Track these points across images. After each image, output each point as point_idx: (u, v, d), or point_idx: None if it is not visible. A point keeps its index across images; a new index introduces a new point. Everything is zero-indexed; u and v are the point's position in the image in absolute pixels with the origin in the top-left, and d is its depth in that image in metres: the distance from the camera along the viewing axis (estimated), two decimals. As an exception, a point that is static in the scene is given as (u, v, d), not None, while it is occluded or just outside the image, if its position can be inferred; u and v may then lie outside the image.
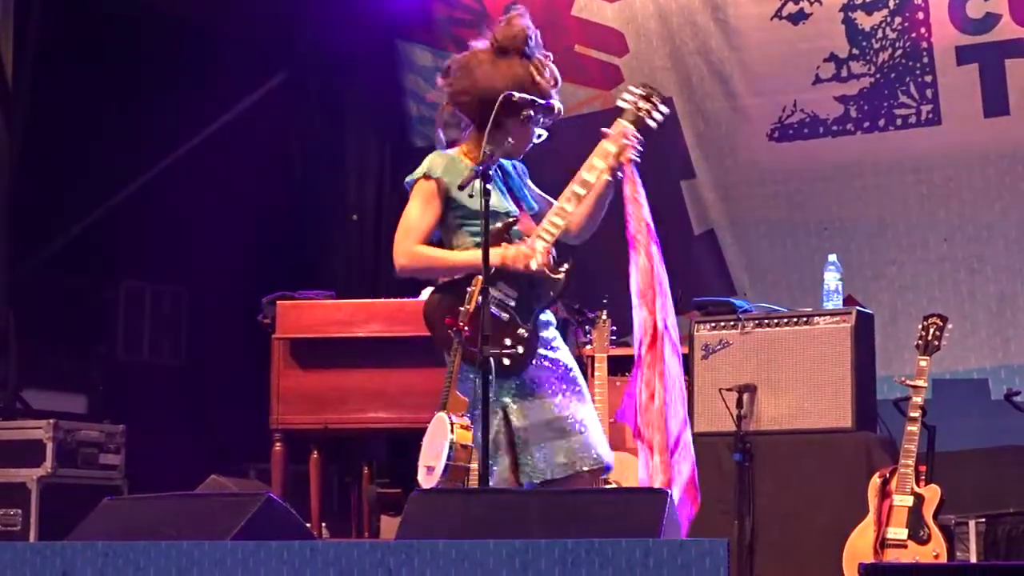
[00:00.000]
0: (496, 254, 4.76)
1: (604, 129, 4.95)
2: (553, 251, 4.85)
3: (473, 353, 4.65)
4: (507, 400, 4.83)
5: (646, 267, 4.87)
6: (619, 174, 4.90)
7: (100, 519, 4.31)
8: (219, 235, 8.80)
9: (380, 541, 6.28)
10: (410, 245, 4.92)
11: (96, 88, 8.58)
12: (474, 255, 4.78)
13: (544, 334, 4.90)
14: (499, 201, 4.88)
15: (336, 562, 3.59)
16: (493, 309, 4.73)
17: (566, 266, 4.84)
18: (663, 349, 4.83)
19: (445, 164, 4.95)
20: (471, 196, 4.84)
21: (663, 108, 5.02)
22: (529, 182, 5.11)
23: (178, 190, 8.91)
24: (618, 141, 4.90)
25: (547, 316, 4.95)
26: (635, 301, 4.88)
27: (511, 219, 4.90)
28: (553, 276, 4.83)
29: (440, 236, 5.00)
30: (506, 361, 4.73)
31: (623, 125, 4.94)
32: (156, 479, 6.85)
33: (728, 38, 8.44)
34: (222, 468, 7.31)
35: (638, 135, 4.94)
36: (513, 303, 4.82)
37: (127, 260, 8.98)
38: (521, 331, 4.79)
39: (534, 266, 4.79)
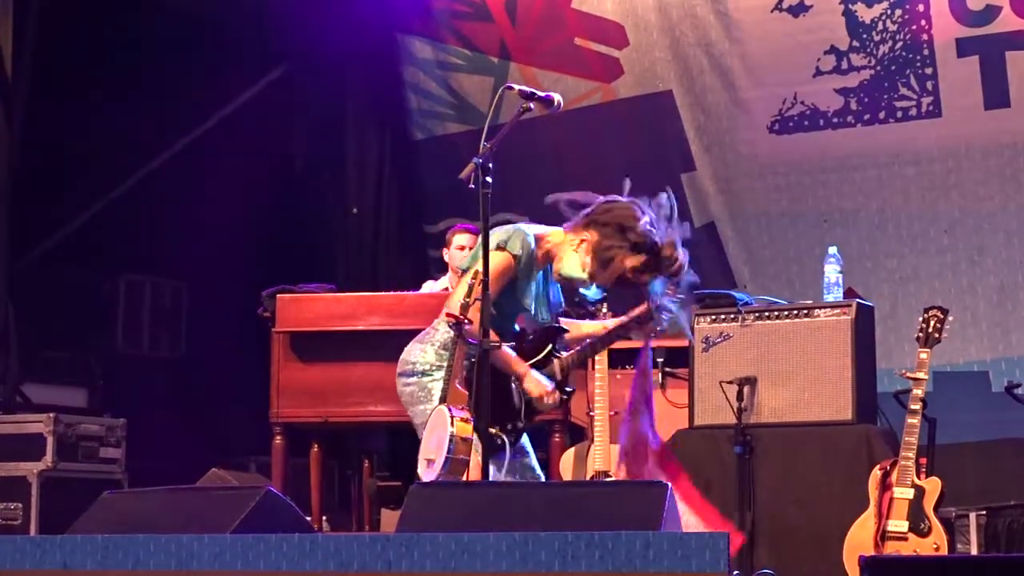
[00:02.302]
0: (526, 381, 4.93)
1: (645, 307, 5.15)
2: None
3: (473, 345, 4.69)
4: None
5: (636, 433, 5.22)
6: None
7: (100, 512, 4.31)
8: (219, 228, 8.80)
9: (380, 534, 6.27)
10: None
11: (96, 82, 8.58)
12: (516, 361, 4.93)
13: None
14: (538, 311, 5.08)
15: (336, 555, 3.59)
16: (514, 393, 4.93)
17: (569, 391, 5.09)
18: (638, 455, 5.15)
19: (522, 245, 4.98)
20: (527, 297, 5.02)
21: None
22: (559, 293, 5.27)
23: (178, 184, 8.91)
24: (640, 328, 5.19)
25: None
26: (618, 458, 5.31)
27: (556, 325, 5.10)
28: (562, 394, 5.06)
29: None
30: (499, 442, 4.85)
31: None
32: (156, 473, 6.85)
33: (728, 30, 8.44)
34: (222, 461, 7.31)
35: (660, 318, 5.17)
36: (527, 398, 4.97)
37: (127, 254, 8.97)
38: (520, 423, 4.96)
39: (545, 402, 4.97)
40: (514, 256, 4.95)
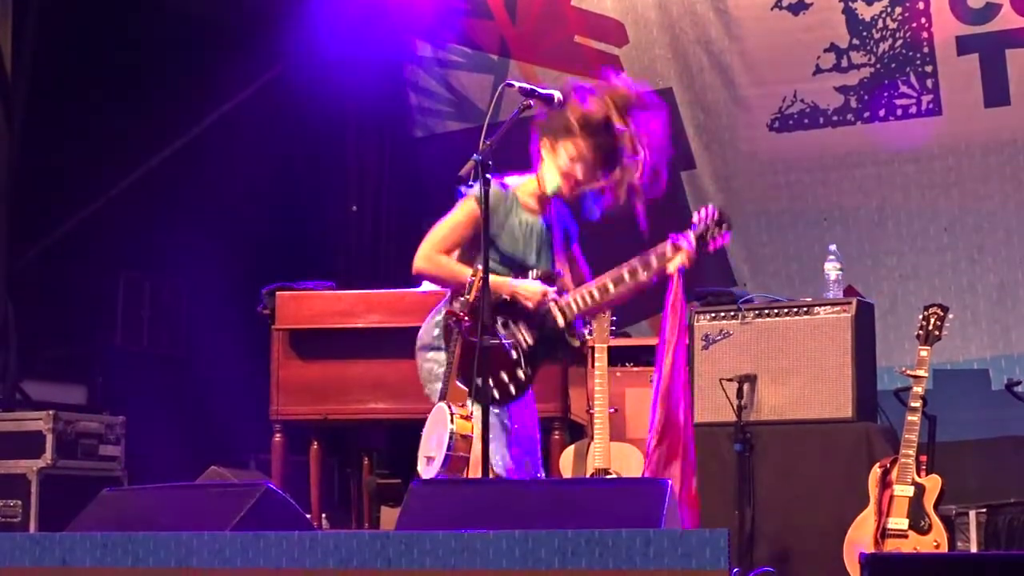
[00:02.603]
0: (508, 283, 4.86)
1: (673, 235, 5.01)
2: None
3: (472, 343, 4.67)
4: None
5: (668, 372, 4.98)
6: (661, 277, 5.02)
7: (100, 510, 4.31)
8: (218, 226, 8.79)
9: (380, 531, 6.27)
10: (432, 251, 5.01)
11: (95, 81, 8.57)
12: (503, 280, 4.87)
13: None
14: (535, 256, 5.00)
15: (336, 552, 3.59)
16: (506, 342, 4.84)
17: (582, 339, 5.02)
18: (678, 448, 4.93)
19: (496, 196, 4.90)
20: (507, 236, 4.95)
21: (726, 240, 5.12)
22: (575, 244, 5.20)
23: (177, 181, 8.90)
24: (677, 249, 4.98)
25: None
26: (655, 397, 5.01)
27: (551, 275, 5.00)
28: (569, 340, 4.96)
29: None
30: (496, 394, 4.80)
31: (691, 241, 5.01)
32: (156, 470, 6.86)
33: (728, 28, 8.43)
34: (222, 459, 7.30)
35: (695, 253, 5.02)
36: (526, 347, 4.91)
37: (126, 252, 8.96)
38: (520, 373, 4.88)
39: (531, 305, 4.90)
40: (476, 199, 4.87)
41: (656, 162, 5.00)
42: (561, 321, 4.92)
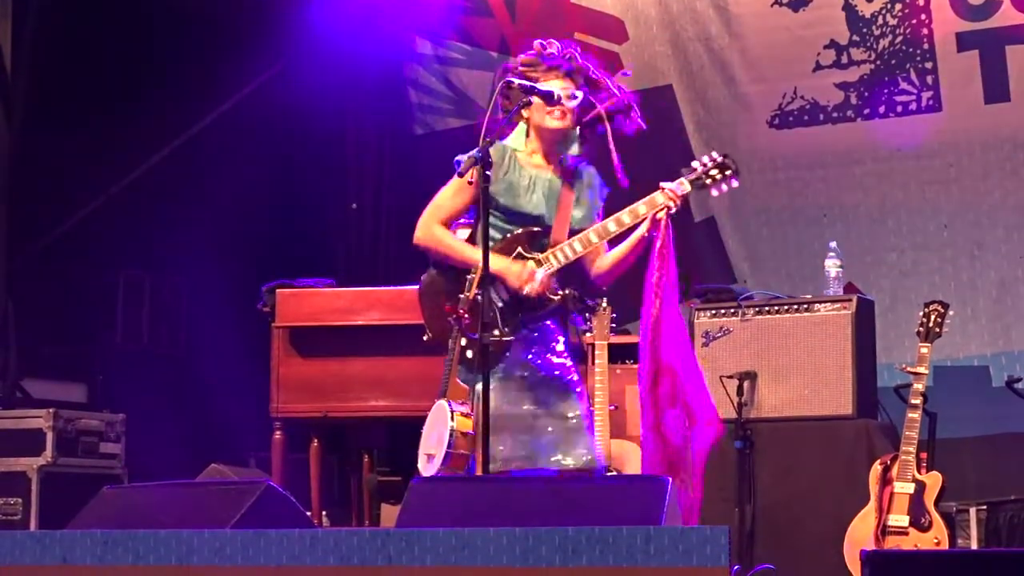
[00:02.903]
0: (501, 266, 4.80)
1: (663, 183, 4.93)
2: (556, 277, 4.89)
3: (472, 340, 4.66)
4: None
5: (656, 319, 4.88)
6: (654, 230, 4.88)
7: (100, 508, 4.31)
8: (218, 223, 8.79)
9: (381, 529, 6.27)
10: (432, 223, 4.96)
11: (95, 78, 8.57)
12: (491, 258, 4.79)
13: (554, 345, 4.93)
14: (536, 204, 4.90)
15: (336, 550, 3.59)
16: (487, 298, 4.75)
17: (566, 291, 4.88)
18: (661, 392, 4.87)
19: (494, 152, 4.85)
20: (505, 191, 4.87)
21: (733, 183, 5.06)
22: (598, 200, 5.06)
23: (177, 178, 8.90)
24: (667, 195, 4.89)
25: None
26: (642, 343, 4.92)
27: (538, 228, 4.91)
28: (551, 297, 4.86)
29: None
30: (469, 354, 4.78)
31: (682, 184, 4.94)
32: (156, 468, 6.86)
33: (728, 25, 8.43)
34: (222, 456, 7.30)
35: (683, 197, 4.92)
36: (501, 305, 4.84)
37: (126, 250, 8.96)
38: (496, 332, 4.77)
39: (526, 291, 4.83)
40: (469, 159, 4.82)
41: (625, 96, 4.97)
42: (528, 290, 4.81)
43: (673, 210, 4.87)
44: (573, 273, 4.98)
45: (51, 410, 7.56)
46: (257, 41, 9.17)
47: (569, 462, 4.83)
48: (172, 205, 8.75)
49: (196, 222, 8.79)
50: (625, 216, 4.87)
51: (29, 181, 8.36)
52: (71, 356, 8.88)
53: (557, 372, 4.92)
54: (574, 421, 4.90)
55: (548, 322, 4.94)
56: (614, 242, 4.99)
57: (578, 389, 4.96)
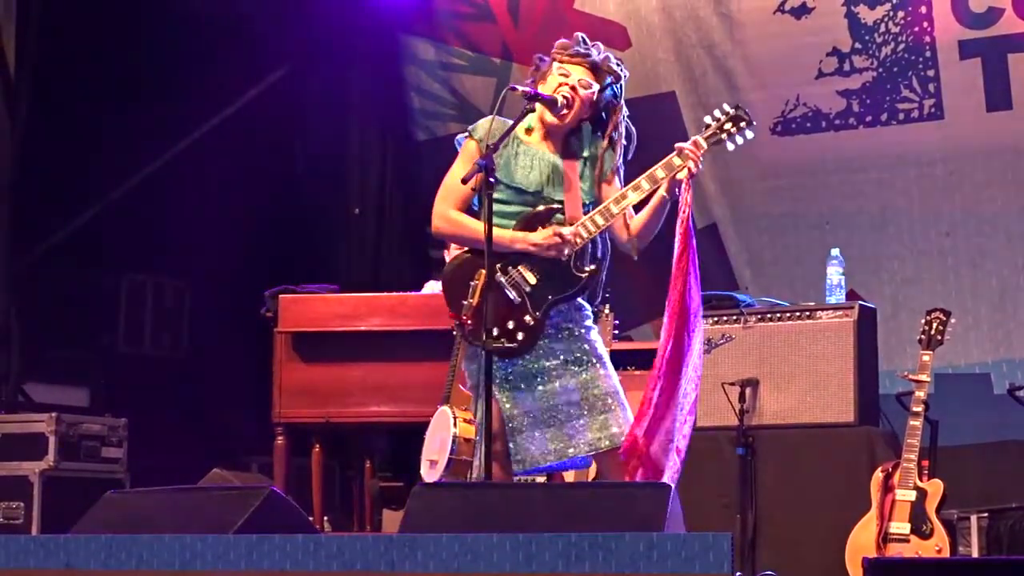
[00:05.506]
0: (529, 240, 4.75)
1: (679, 144, 4.87)
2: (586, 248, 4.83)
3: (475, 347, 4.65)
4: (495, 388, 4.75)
5: (681, 293, 4.79)
6: (676, 191, 4.83)
7: (103, 512, 4.31)
8: (221, 228, 8.80)
9: (384, 534, 6.28)
10: (447, 209, 4.92)
11: (99, 81, 8.58)
12: (509, 235, 4.76)
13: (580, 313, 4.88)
14: (531, 181, 4.86)
15: (339, 555, 3.59)
16: (507, 289, 4.74)
17: (592, 267, 4.81)
18: (688, 333, 4.78)
19: (492, 126, 4.83)
20: (509, 165, 4.83)
21: (748, 134, 4.95)
22: (613, 175, 4.98)
23: (180, 183, 8.90)
24: (684, 156, 4.83)
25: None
26: (668, 323, 4.81)
27: (555, 206, 4.85)
28: (576, 273, 4.80)
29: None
30: (504, 342, 4.71)
31: (697, 142, 4.87)
32: (158, 472, 6.85)
33: (731, 32, 8.44)
34: (224, 461, 7.30)
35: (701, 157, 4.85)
36: (529, 289, 4.79)
37: (129, 253, 8.97)
38: (528, 318, 4.74)
39: (567, 251, 4.75)
40: (476, 140, 4.85)
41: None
42: (568, 251, 4.74)
43: (694, 169, 4.81)
44: (557, 273, 4.92)
45: (53, 414, 7.56)
46: (260, 45, 9.18)
47: (605, 444, 4.73)
48: (175, 209, 8.76)
49: (199, 226, 8.80)
50: (644, 182, 4.81)
51: (32, 184, 8.37)
52: (73, 360, 8.88)
53: (587, 346, 4.84)
54: (607, 399, 4.79)
55: (577, 300, 4.88)
56: (638, 207, 4.94)
57: (607, 363, 4.87)
